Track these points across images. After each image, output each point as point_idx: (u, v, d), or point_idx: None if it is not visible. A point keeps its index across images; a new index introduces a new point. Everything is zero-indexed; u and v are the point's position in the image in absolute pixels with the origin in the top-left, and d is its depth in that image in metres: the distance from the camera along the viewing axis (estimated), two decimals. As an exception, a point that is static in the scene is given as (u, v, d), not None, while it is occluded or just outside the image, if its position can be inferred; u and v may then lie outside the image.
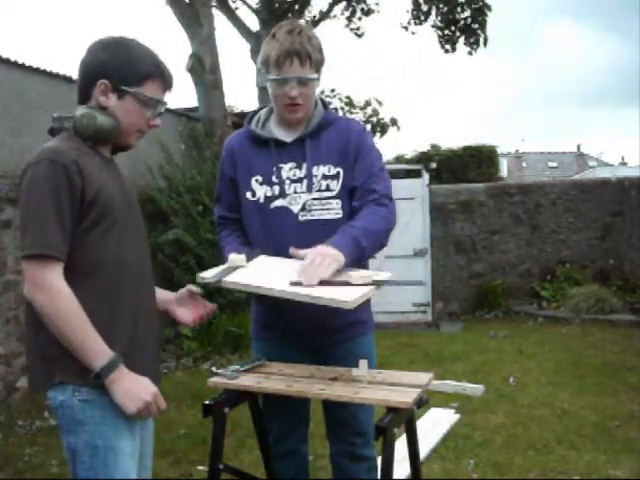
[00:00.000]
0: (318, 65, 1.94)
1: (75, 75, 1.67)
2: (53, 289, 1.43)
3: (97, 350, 1.45)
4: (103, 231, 1.51)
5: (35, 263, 1.44)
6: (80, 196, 1.47)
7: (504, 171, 20.85)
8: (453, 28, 11.09)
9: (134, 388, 1.48)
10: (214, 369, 1.92)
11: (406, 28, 11.49)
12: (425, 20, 11.28)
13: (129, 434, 1.55)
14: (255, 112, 2.10)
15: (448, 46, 11.28)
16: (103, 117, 1.56)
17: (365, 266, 1.99)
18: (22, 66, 4.91)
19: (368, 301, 2.09)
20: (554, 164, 34.58)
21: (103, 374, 1.44)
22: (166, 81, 1.65)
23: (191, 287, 1.84)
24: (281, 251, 1.90)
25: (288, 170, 1.97)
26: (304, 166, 1.96)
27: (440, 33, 11.22)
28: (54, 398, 1.51)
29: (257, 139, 2.02)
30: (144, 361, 1.58)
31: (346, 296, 1.60)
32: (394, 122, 12.63)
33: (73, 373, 1.47)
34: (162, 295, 1.82)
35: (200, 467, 3.28)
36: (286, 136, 2.00)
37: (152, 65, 1.61)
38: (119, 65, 1.57)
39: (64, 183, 1.45)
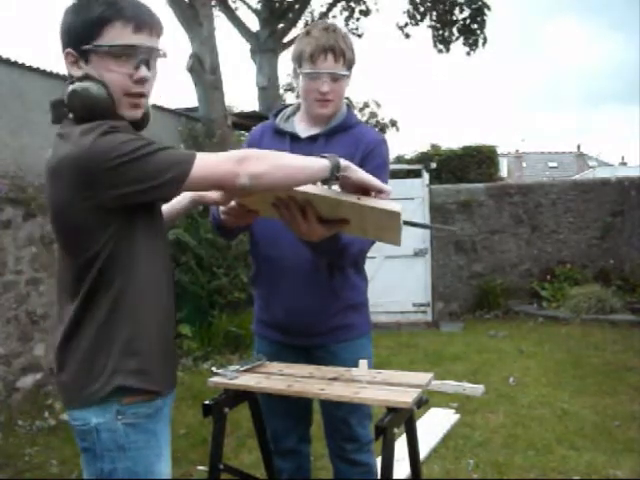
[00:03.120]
0: (350, 64, 1.95)
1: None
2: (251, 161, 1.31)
3: (318, 166, 1.40)
4: (145, 222, 1.37)
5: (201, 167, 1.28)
6: None
7: (504, 171, 20.83)
8: (451, 28, 11.11)
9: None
10: (214, 369, 1.91)
11: (402, 29, 11.51)
12: (421, 20, 11.31)
13: (168, 455, 1.45)
14: (283, 107, 2.13)
15: (442, 46, 11.30)
16: (88, 85, 1.31)
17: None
18: (22, 66, 4.92)
19: (361, 304, 2.07)
20: (554, 164, 34.56)
21: (336, 171, 1.41)
22: (132, 19, 1.31)
23: None
24: (271, 243, 1.93)
25: None
26: None
27: (435, 34, 11.24)
28: (84, 420, 1.35)
29: (277, 131, 2.04)
30: (172, 361, 1.50)
31: (391, 205, 1.47)
32: (394, 123, 12.67)
33: (133, 373, 1.34)
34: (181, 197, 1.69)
35: (200, 467, 3.28)
36: (304, 132, 2.01)
37: (103, 5, 1.30)
38: (75, 24, 1.32)
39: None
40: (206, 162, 1.30)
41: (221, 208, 1.76)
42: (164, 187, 1.27)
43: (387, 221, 1.51)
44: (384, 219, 1.50)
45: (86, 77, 1.33)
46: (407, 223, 1.55)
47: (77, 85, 1.32)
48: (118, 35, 1.30)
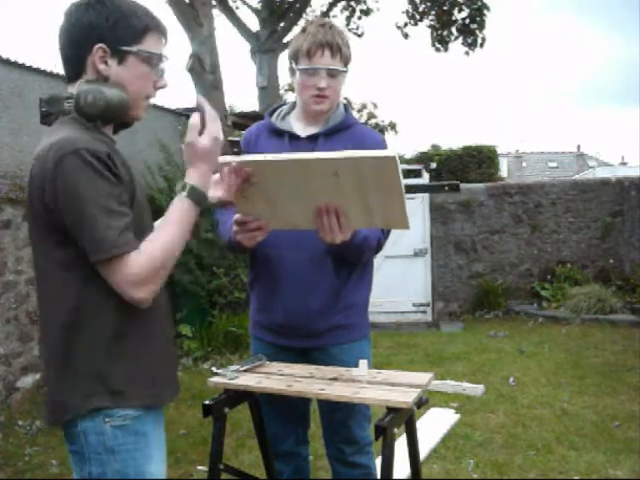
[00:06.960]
0: (346, 60, 1.95)
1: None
2: (142, 272, 1.31)
3: (185, 207, 1.44)
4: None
5: (108, 265, 1.28)
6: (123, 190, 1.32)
7: (504, 171, 20.84)
8: (450, 28, 11.12)
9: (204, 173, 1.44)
10: (214, 369, 1.92)
11: (401, 29, 11.52)
12: (421, 20, 11.32)
13: (159, 456, 1.43)
14: (278, 106, 2.12)
15: (440, 46, 11.32)
16: (110, 89, 1.34)
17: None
18: (22, 66, 4.91)
19: (362, 305, 2.06)
20: (554, 164, 34.53)
21: (193, 191, 1.43)
22: (163, 32, 1.44)
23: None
24: (271, 243, 1.90)
25: None
26: None
27: (435, 33, 11.25)
28: (70, 422, 1.35)
29: (274, 130, 2.02)
30: (173, 366, 1.50)
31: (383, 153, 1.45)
32: (393, 126, 12.68)
33: (110, 395, 1.32)
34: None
35: (200, 467, 3.28)
36: (302, 131, 2.00)
37: (147, 16, 1.40)
38: (113, 23, 1.34)
39: (105, 171, 1.27)
40: (124, 264, 1.28)
41: (234, 228, 1.79)
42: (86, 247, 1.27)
43: (385, 177, 1.47)
44: (381, 173, 1.47)
45: (105, 79, 1.36)
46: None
47: (106, 90, 1.34)
48: (154, 45, 1.41)
